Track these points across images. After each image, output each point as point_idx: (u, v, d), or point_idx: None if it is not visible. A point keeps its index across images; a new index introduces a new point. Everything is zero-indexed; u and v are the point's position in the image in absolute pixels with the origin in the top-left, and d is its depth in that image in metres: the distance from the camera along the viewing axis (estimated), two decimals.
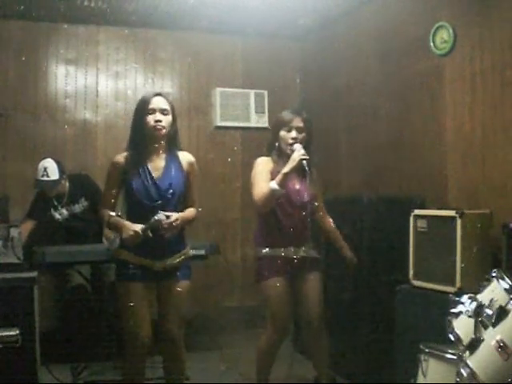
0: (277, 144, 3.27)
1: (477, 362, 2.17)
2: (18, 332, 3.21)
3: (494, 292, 2.30)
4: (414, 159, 4.16)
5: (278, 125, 3.30)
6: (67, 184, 4.44)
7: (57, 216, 4.45)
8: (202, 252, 3.96)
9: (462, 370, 2.20)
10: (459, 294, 2.67)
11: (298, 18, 5.15)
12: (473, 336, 2.24)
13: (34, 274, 3.39)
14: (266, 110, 5.62)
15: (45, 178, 4.26)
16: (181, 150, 3.13)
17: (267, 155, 3.31)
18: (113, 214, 2.95)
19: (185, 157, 3.11)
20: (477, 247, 3.15)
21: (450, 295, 3.02)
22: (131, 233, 2.84)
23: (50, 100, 5.17)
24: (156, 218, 2.83)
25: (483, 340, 2.19)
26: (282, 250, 3.22)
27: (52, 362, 3.89)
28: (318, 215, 3.43)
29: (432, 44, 3.90)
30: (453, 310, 2.43)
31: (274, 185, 3.07)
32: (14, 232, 3.44)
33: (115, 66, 5.37)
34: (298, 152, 3.10)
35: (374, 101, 4.62)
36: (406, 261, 3.45)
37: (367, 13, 4.72)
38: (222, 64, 5.65)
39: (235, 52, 5.70)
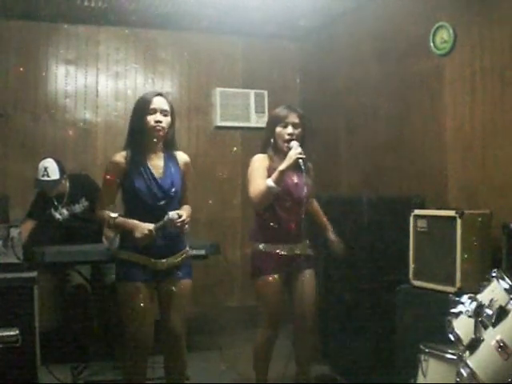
0: (272, 140, 3.27)
1: (477, 361, 2.17)
2: (17, 332, 3.21)
3: (493, 292, 2.30)
4: (413, 159, 4.16)
5: (273, 121, 3.30)
6: (67, 184, 4.43)
7: (57, 216, 4.44)
8: (202, 252, 3.96)
9: (462, 370, 2.20)
10: (459, 294, 2.66)
11: (298, 18, 5.15)
12: (473, 336, 2.24)
13: (34, 274, 3.39)
14: (266, 110, 5.62)
15: (45, 178, 4.26)
16: (177, 150, 3.14)
17: (263, 152, 3.31)
18: (114, 214, 2.94)
19: (181, 157, 3.14)
20: (477, 247, 3.15)
21: (450, 295, 3.00)
22: (146, 232, 2.85)
23: (49, 100, 5.17)
24: (169, 216, 2.85)
25: (483, 340, 2.19)
26: (278, 246, 3.22)
27: (52, 362, 3.89)
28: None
29: (432, 44, 3.90)
30: (453, 310, 2.44)
31: (270, 182, 3.07)
32: (13, 232, 3.44)
33: (115, 66, 5.37)
34: (295, 150, 3.10)
35: (374, 101, 4.62)
36: (406, 261, 3.45)
37: (367, 13, 4.72)
38: (222, 64, 5.65)
39: (235, 52, 5.70)
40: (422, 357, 2.83)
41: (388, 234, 3.75)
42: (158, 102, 2.97)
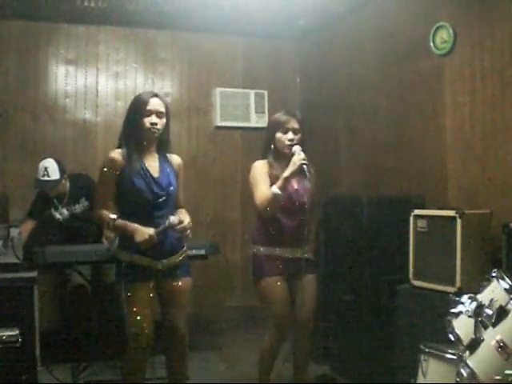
0: (273, 146, 3.26)
1: (477, 361, 2.17)
2: (17, 332, 3.21)
3: (494, 292, 2.30)
4: (413, 159, 4.16)
5: (273, 127, 3.29)
6: (68, 184, 4.43)
7: (57, 216, 4.44)
8: (202, 252, 3.97)
9: (462, 370, 2.20)
10: (459, 294, 2.66)
11: (298, 18, 5.15)
12: (473, 336, 2.24)
13: (34, 274, 3.39)
14: (266, 110, 5.62)
15: (45, 178, 4.26)
16: (171, 152, 3.15)
17: (263, 157, 3.30)
18: (114, 216, 2.93)
19: (174, 159, 3.15)
20: (477, 247, 3.15)
21: (450, 295, 3.02)
22: (147, 237, 2.85)
23: (49, 100, 5.17)
24: (170, 221, 2.87)
25: (483, 340, 2.19)
26: (281, 249, 3.23)
27: (52, 362, 3.89)
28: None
29: (432, 44, 3.90)
30: (453, 310, 2.43)
31: (275, 190, 3.07)
32: (13, 232, 3.44)
33: (115, 66, 5.37)
34: (299, 156, 3.09)
35: (374, 101, 4.62)
36: (406, 261, 3.45)
37: (367, 13, 4.72)
38: (221, 64, 5.65)
39: (235, 52, 5.70)
40: (422, 357, 2.83)
41: (388, 234, 3.75)
42: (155, 104, 2.97)
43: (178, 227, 2.92)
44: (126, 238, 2.93)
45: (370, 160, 4.69)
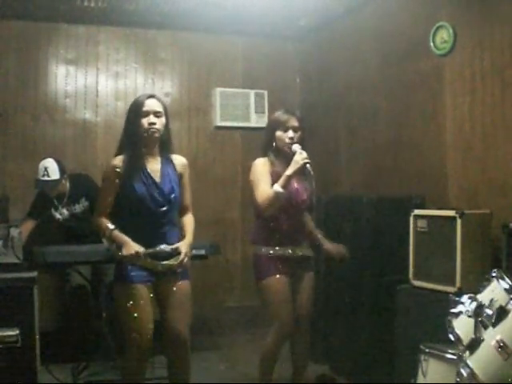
0: (274, 144, 3.27)
1: (477, 361, 2.17)
2: (17, 332, 3.21)
3: (493, 292, 2.30)
4: (413, 159, 4.16)
5: (273, 125, 3.30)
6: (68, 184, 4.43)
7: (57, 216, 4.45)
8: (202, 252, 3.97)
9: (462, 370, 2.20)
10: (459, 294, 2.66)
11: (298, 18, 5.15)
12: (473, 336, 2.24)
13: (34, 274, 3.39)
14: (266, 110, 5.62)
15: (45, 178, 4.26)
16: (173, 152, 3.12)
17: (263, 156, 3.31)
18: (111, 226, 2.93)
19: (178, 159, 3.12)
20: (477, 247, 3.15)
21: (450, 295, 3.01)
22: (133, 252, 2.85)
23: (49, 100, 5.17)
24: (161, 247, 2.89)
25: (483, 340, 2.19)
26: (282, 248, 3.23)
27: (52, 362, 3.90)
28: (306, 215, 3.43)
29: (432, 44, 3.90)
30: (453, 310, 2.43)
31: (278, 188, 3.06)
32: (13, 232, 3.44)
33: (115, 66, 5.37)
34: (301, 155, 3.09)
35: (374, 101, 4.62)
36: (406, 261, 3.46)
37: (367, 13, 4.72)
38: (221, 64, 5.65)
39: (235, 52, 5.70)
40: (422, 357, 2.83)
41: (388, 234, 3.75)
42: (151, 104, 2.95)
43: (176, 263, 2.94)
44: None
45: (370, 160, 4.69)
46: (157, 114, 2.95)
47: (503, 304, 2.19)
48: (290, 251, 3.24)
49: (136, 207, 2.93)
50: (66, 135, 5.20)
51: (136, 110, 2.95)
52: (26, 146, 5.03)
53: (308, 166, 3.07)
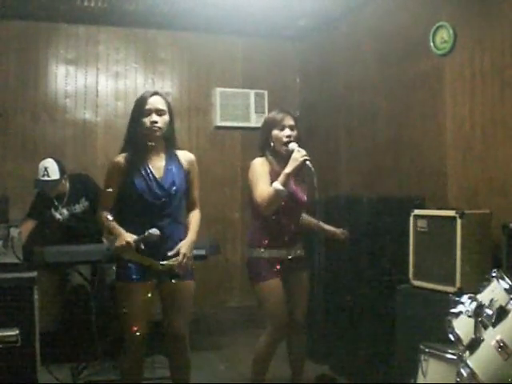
0: (271, 144, 3.26)
1: (477, 361, 2.17)
2: (17, 332, 3.21)
3: (493, 292, 2.30)
4: (413, 159, 4.16)
5: (270, 125, 3.29)
6: (67, 184, 4.43)
7: (57, 216, 4.44)
8: (203, 252, 3.96)
9: (462, 370, 2.20)
10: (459, 294, 2.67)
11: (298, 18, 5.15)
12: (473, 336, 2.24)
13: (34, 274, 3.38)
14: (266, 110, 5.61)
15: (45, 178, 4.26)
16: (179, 148, 3.12)
17: (260, 155, 3.30)
18: (110, 217, 2.94)
19: (184, 155, 3.11)
20: (477, 247, 3.15)
21: (450, 295, 3.02)
22: (123, 243, 2.85)
23: (49, 100, 5.18)
24: (150, 231, 2.85)
25: (483, 340, 2.19)
26: (279, 251, 3.22)
27: (52, 361, 3.89)
28: None
29: (432, 44, 3.90)
30: (453, 310, 2.43)
31: (278, 186, 3.05)
32: (13, 232, 3.43)
33: (115, 66, 5.37)
34: (300, 152, 3.09)
35: (374, 101, 4.62)
36: (406, 261, 3.46)
37: (367, 13, 4.72)
38: (221, 64, 5.65)
39: (235, 52, 5.70)
40: (422, 357, 2.83)
41: (388, 234, 3.75)
42: (153, 102, 2.95)
43: (176, 263, 2.92)
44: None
45: (369, 160, 4.69)
46: (159, 112, 2.95)
47: (503, 304, 2.19)
48: (286, 253, 3.24)
49: (135, 202, 2.95)
50: (66, 135, 5.20)
51: (139, 109, 2.97)
52: (25, 146, 5.03)
53: (308, 162, 3.07)
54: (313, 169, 3.06)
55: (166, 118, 2.98)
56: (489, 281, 2.37)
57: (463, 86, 3.70)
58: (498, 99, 3.43)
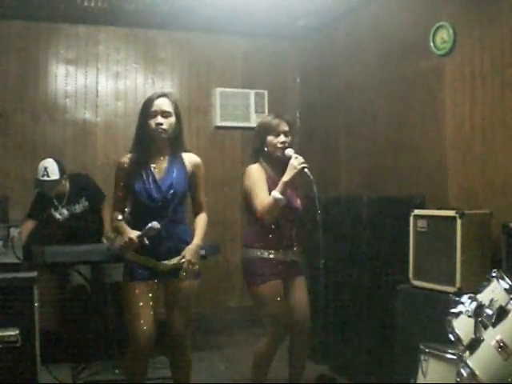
0: (266, 149, 3.25)
1: (477, 361, 2.17)
2: (17, 332, 3.21)
3: (493, 292, 2.30)
4: (413, 159, 4.16)
5: (264, 130, 3.27)
6: (67, 184, 4.44)
7: (57, 216, 4.45)
8: (202, 252, 3.95)
9: (462, 370, 2.20)
10: (459, 294, 2.67)
11: (298, 18, 5.15)
12: (473, 336, 2.24)
13: (34, 274, 3.39)
14: (266, 110, 5.62)
15: (45, 178, 4.26)
16: (186, 151, 3.12)
17: (254, 161, 3.29)
18: (119, 217, 2.97)
19: (189, 158, 3.11)
20: (477, 247, 3.15)
21: (450, 295, 3.02)
22: (126, 239, 2.87)
23: (49, 100, 5.17)
24: (150, 225, 2.86)
25: (483, 340, 2.19)
26: (276, 252, 3.22)
27: (52, 361, 3.89)
28: None
29: (432, 44, 3.90)
30: (453, 310, 2.44)
31: (277, 194, 3.05)
32: (13, 232, 3.44)
33: (115, 66, 5.37)
34: (298, 160, 3.07)
35: (374, 101, 4.62)
36: (406, 261, 3.46)
37: (367, 13, 4.72)
38: (221, 64, 5.65)
39: (235, 52, 5.70)
40: (422, 357, 2.83)
41: (388, 234, 3.75)
42: (160, 104, 2.97)
43: (178, 263, 2.93)
44: None
45: (369, 160, 4.69)
46: (165, 114, 2.96)
47: (503, 304, 2.20)
48: (284, 255, 3.23)
49: (135, 203, 3.00)
50: (66, 135, 5.20)
51: (145, 110, 2.98)
52: (25, 146, 5.03)
53: (306, 170, 3.06)
54: (311, 176, 3.06)
55: (172, 120, 3.00)
56: (489, 281, 2.37)
57: (463, 86, 3.70)
58: (498, 99, 3.43)
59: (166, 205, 2.96)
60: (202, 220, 3.13)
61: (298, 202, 3.31)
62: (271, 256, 3.20)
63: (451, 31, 3.75)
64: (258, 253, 3.20)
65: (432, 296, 3.22)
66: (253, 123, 5.61)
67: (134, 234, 2.88)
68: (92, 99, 5.29)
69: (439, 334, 2.66)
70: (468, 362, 2.19)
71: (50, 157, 4.37)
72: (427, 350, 2.82)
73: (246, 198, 3.25)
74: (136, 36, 5.41)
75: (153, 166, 3.00)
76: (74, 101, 5.25)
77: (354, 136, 4.93)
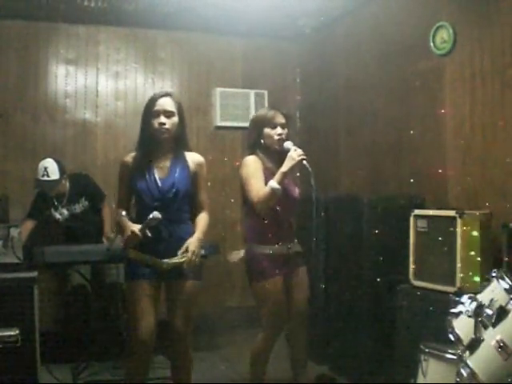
0: (263, 141, 3.26)
1: (477, 361, 2.17)
2: (18, 332, 3.21)
3: (493, 292, 2.30)
4: (413, 159, 4.16)
5: (261, 123, 3.28)
6: (67, 184, 4.44)
7: (57, 216, 4.45)
8: (202, 252, 3.96)
9: (462, 370, 2.20)
10: (459, 294, 2.67)
11: (298, 18, 5.15)
12: (473, 336, 2.24)
13: (34, 274, 3.39)
14: None
15: (45, 178, 4.26)
16: (189, 150, 3.12)
17: (251, 153, 3.29)
18: (123, 213, 2.97)
19: (192, 157, 3.11)
20: (477, 247, 3.15)
21: (450, 295, 3.02)
22: (129, 233, 2.87)
23: (49, 100, 5.17)
24: (151, 216, 2.86)
25: (483, 340, 2.19)
26: (277, 246, 3.22)
27: (52, 362, 3.89)
28: None
29: (432, 44, 3.90)
30: (453, 310, 2.44)
31: (274, 184, 3.06)
32: (13, 232, 3.44)
33: (115, 66, 5.37)
34: (297, 151, 3.09)
35: (374, 101, 4.62)
36: (406, 261, 3.45)
37: (367, 13, 4.72)
38: (222, 64, 5.65)
39: (235, 52, 5.70)
40: (422, 357, 2.83)
41: (388, 234, 3.75)
42: (162, 104, 2.97)
43: (181, 261, 2.92)
44: None
45: (369, 160, 4.69)
46: (167, 114, 2.96)
47: (503, 304, 2.19)
48: (285, 248, 3.24)
49: (139, 201, 3.01)
50: (66, 135, 5.20)
51: (148, 110, 2.99)
52: (25, 146, 5.03)
53: (305, 162, 3.07)
54: (310, 168, 3.06)
55: (175, 119, 2.99)
56: (489, 281, 2.37)
57: (463, 86, 3.70)
58: (498, 99, 3.43)
59: (169, 204, 2.96)
60: (203, 219, 3.14)
61: (297, 190, 3.33)
62: (273, 251, 3.20)
63: (451, 31, 3.75)
64: (260, 248, 3.21)
65: (432, 296, 3.22)
66: None
67: (135, 226, 2.88)
68: (92, 99, 5.29)
69: (439, 334, 2.66)
70: (468, 361, 2.19)
71: (50, 157, 4.37)
72: (427, 350, 2.81)
73: (243, 189, 3.25)
74: (136, 36, 5.41)
75: (156, 165, 3.01)
76: (74, 101, 5.25)
77: (354, 136, 4.92)
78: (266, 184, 3.11)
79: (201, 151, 5.59)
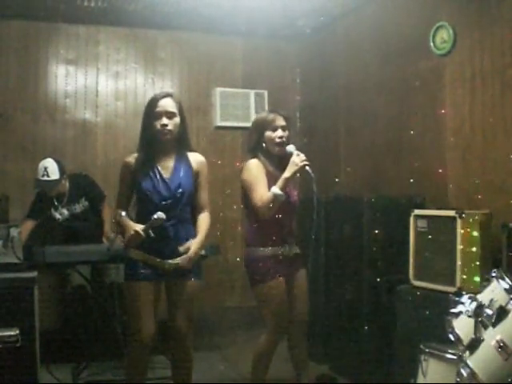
0: (264, 145, 3.26)
1: (477, 361, 2.17)
2: (18, 332, 3.21)
3: (493, 292, 2.30)
4: (413, 159, 4.16)
5: (261, 125, 3.27)
6: (67, 184, 4.43)
7: (57, 216, 4.45)
8: (202, 252, 3.96)
9: (462, 370, 2.20)
10: (459, 294, 2.66)
11: (298, 18, 5.15)
12: (473, 336, 2.24)
13: (34, 274, 3.39)
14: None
15: (45, 178, 4.26)
16: (191, 150, 3.12)
17: (252, 157, 3.29)
18: (123, 213, 2.97)
19: (194, 157, 3.11)
20: (477, 247, 3.15)
21: (450, 295, 3.01)
22: (132, 232, 2.86)
23: (49, 100, 5.17)
24: (155, 216, 2.85)
25: (483, 340, 2.19)
26: (280, 248, 3.22)
27: (52, 362, 3.89)
28: None
29: (432, 44, 3.90)
30: (453, 310, 2.44)
31: (277, 190, 3.05)
32: (13, 232, 3.44)
33: (115, 66, 5.37)
34: (299, 157, 3.07)
35: (374, 101, 4.62)
36: (406, 261, 3.45)
37: (367, 13, 4.72)
38: (221, 64, 5.65)
39: (235, 52, 5.70)
40: (422, 357, 2.83)
41: (388, 234, 3.75)
42: (164, 105, 2.96)
43: (183, 259, 2.92)
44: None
45: (370, 160, 4.69)
46: (169, 115, 2.96)
47: (503, 304, 2.19)
48: (286, 250, 3.24)
49: (143, 202, 2.99)
50: (66, 135, 5.20)
51: (149, 111, 2.99)
52: (25, 146, 5.03)
53: (308, 168, 3.06)
54: (312, 174, 3.06)
55: (177, 120, 2.99)
56: (489, 281, 2.37)
57: (463, 86, 3.70)
58: (498, 99, 3.43)
59: (175, 203, 2.96)
60: (205, 219, 3.15)
61: (296, 194, 3.34)
62: (274, 253, 3.20)
63: (451, 31, 3.75)
64: (261, 251, 3.21)
65: (432, 296, 3.22)
66: None
67: (138, 226, 2.88)
68: (92, 99, 5.29)
69: (439, 334, 2.66)
70: (468, 361, 2.19)
71: (50, 157, 4.37)
72: (427, 350, 2.82)
73: (245, 194, 3.25)
74: (136, 36, 5.41)
75: (160, 165, 3.01)
76: (74, 101, 5.25)
77: (354, 136, 4.92)
78: (268, 187, 3.11)
79: (201, 151, 5.59)
